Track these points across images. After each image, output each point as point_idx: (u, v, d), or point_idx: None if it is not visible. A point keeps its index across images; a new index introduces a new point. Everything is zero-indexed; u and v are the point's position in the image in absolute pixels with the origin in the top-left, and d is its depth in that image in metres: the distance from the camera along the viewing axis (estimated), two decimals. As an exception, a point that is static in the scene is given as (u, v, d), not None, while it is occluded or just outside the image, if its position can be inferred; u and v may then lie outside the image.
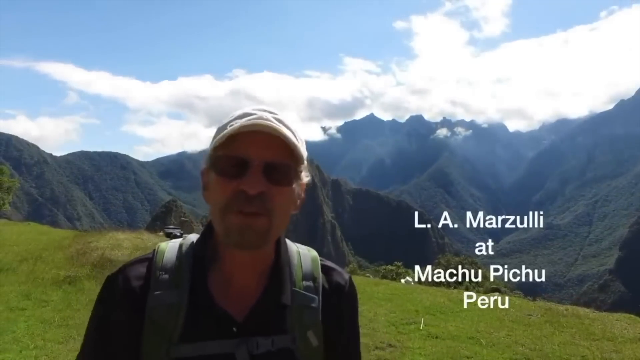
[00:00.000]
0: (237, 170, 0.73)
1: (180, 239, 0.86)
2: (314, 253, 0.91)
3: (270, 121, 0.73)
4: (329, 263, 0.91)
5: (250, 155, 0.73)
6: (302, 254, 0.89)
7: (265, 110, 0.76)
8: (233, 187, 0.73)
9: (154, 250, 0.84)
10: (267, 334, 0.78)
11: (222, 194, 0.74)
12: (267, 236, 0.75)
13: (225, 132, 0.73)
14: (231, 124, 0.74)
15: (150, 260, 0.82)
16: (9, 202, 32.22)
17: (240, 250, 0.76)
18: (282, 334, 0.79)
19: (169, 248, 0.83)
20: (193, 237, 0.85)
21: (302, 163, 0.78)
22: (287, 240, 0.88)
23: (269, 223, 0.74)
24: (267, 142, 0.73)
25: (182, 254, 0.81)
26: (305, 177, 0.81)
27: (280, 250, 0.84)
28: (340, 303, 0.87)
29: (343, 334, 0.88)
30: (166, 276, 0.78)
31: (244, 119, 0.74)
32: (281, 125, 0.74)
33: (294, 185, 0.77)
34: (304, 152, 0.77)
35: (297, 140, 0.75)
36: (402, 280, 13.49)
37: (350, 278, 0.92)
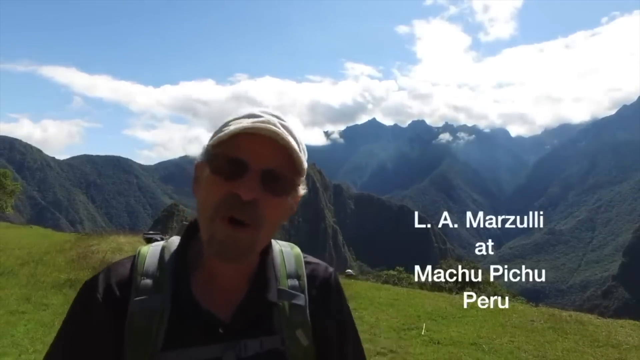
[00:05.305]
0: (233, 171, 0.69)
1: (163, 242, 0.83)
2: (297, 250, 0.88)
3: (277, 127, 0.70)
4: (311, 258, 0.89)
5: (250, 159, 0.69)
6: (284, 251, 0.86)
7: (272, 115, 0.73)
8: (226, 189, 0.69)
9: (135, 254, 0.80)
10: (254, 335, 0.75)
11: (213, 194, 0.70)
12: (250, 251, 0.72)
13: (228, 129, 0.69)
14: (235, 122, 0.71)
15: (131, 264, 0.78)
16: (11, 206, 32.41)
17: (223, 262, 0.74)
18: (270, 335, 0.76)
19: (151, 252, 0.80)
20: (175, 239, 0.82)
21: (302, 175, 0.75)
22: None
23: (255, 236, 0.71)
24: (270, 148, 0.70)
25: (164, 257, 0.78)
26: (302, 190, 0.77)
27: (264, 249, 0.81)
28: (326, 299, 0.85)
29: (334, 330, 0.84)
30: (148, 281, 0.75)
31: (250, 120, 0.70)
32: (286, 132, 0.71)
33: (289, 197, 0.74)
34: (305, 164, 0.74)
35: (300, 150, 0.72)
36: None
37: (334, 272, 0.89)
